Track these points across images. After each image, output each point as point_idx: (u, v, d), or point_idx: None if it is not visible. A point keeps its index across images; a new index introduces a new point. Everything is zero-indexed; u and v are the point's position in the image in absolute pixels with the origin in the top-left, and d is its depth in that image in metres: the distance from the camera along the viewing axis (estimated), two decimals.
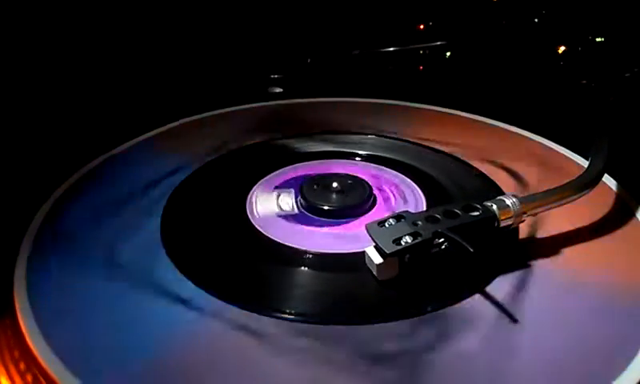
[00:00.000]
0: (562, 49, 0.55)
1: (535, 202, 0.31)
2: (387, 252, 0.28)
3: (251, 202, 0.36)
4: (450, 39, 0.60)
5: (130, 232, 0.33)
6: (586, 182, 0.32)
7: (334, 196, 0.35)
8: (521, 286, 0.29)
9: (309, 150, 0.43)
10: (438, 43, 0.60)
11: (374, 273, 0.29)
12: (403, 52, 0.60)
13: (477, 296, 0.28)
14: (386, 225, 0.29)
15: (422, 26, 0.61)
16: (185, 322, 0.26)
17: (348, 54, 0.60)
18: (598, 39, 0.54)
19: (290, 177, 0.39)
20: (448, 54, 0.60)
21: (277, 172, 0.40)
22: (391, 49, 0.60)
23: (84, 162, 0.40)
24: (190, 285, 0.29)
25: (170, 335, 0.26)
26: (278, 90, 0.56)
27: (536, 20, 0.57)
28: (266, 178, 0.39)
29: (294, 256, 0.31)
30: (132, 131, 0.44)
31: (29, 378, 0.24)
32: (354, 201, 0.35)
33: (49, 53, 0.49)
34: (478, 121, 0.46)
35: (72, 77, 0.50)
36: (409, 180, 0.38)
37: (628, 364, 0.24)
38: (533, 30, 0.57)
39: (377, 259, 0.28)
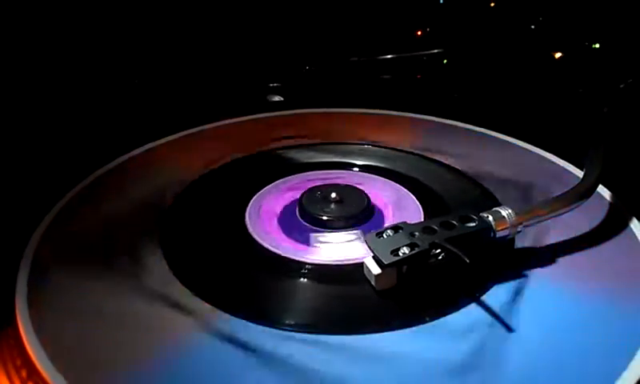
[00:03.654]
0: (558, 55, 0.55)
1: (531, 212, 0.31)
2: (385, 263, 0.28)
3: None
4: (447, 46, 0.60)
5: (132, 242, 0.33)
6: (581, 193, 0.33)
7: (332, 206, 0.36)
8: (517, 296, 0.29)
9: (306, 161, 0.43)
10: (436, 51, 0.61)
11: (373, 283, 0.29)
12: (401, 59, 0.61)
13: (473, 305, 0.28)
14: (384, 236, 0.29)
15: (419, 33, 0.61)
16: (186, 332, 0.27)
17: (346, 62, 0.61)
18: (594, 45, 0.54)
19: (289, 187, 0.40)
20: (445, 61, 0.60)
21: (276, 182, 0.40)
22: (389, 56, 0.61)
23: (86, 173, 0.40)
24: (189, 294, 0.29)
25: (171, 344, 0.26)
26: (277, 98, 0.56)
27: (532, 27, 0.58)
28: (265, 189, 0.39)
29: (292, 267, 0.32)
30: (131, 143, 0.44)
31: None
32: (352, 211, 0.35)
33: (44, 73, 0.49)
34: (474, 131, 0.47)
35: (72, 89, 0.50)
36: (406, 190, 0.39)
37: (625, 368, 0.24)
38: (530, 37, 0.58)
39: (375, 270, 0.29)
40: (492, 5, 0.60)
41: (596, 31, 0.54)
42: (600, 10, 0.54)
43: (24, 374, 0.25)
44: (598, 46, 0.54)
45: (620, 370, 0.24)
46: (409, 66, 0.60)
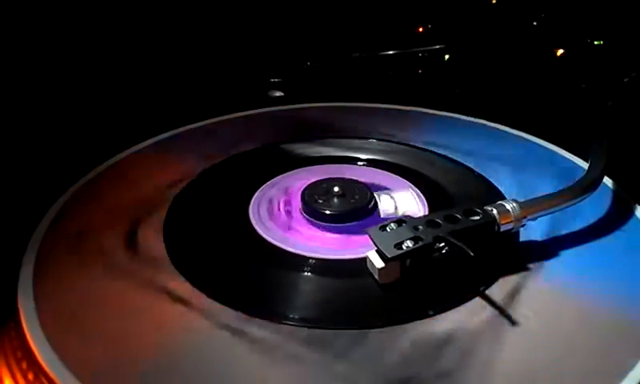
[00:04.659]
0: (560, 52, 0.55)
1: (535, 206, 0.31)
2: (389, 256, 0.28)
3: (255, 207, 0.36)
4: (448, 42, 0.60)
5: (134, 236, 0.33)
6: (586, 186, 0.32)
7: (335, 201, 0.36)
8: (521, 289, 0.29)
9: (310, 155, 0.43)
10: (437, 47, 0.60)
11: (376, 277, 0.29)
12: (402, 55, 0.60)
13: (477, 299, 0.28)
14: (388, 229, 0.29)
15: (420, 29, 0.61)
16: (186, 326, 0.27)
17: (347, 58, 0.60)
18: (596, 42, 0.54)
19: (291, 182, 0.39)
20: (447, 57, 0.60)
21: (278, 177, 0.40)
22: (390, 52, 0.61)
23: (89, 167, 0.40)
24: (191, 288, 0.29)
25: (172, 338, 0.26)
26: (278, 93, 0.56)
27: (535, 23, 0.58)
28: (267, 183, 0.39)
29: (296, 261, 0.31)
30: (131, 138, 0.44)
31: (30, 377, 0.25)
32: (355, 205, 0.35)
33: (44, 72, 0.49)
34: (478, 123, 0.47)
35: (73, 86, 0.50)
36: (410, 184, 0.39)
37: (630, 364, 0.24)
38: (532, 32, 0.58)
39: (378, 263, 0.28)
40: (493, 1, 0.59)
41: (599, 26, 0.54)
42: (602, 4, 0.54)
43: (24, 365, 0.25)
44: (601, 42, 0.54)
45: (624, 369, 0.24)
46: (410, 62, 0.60)
